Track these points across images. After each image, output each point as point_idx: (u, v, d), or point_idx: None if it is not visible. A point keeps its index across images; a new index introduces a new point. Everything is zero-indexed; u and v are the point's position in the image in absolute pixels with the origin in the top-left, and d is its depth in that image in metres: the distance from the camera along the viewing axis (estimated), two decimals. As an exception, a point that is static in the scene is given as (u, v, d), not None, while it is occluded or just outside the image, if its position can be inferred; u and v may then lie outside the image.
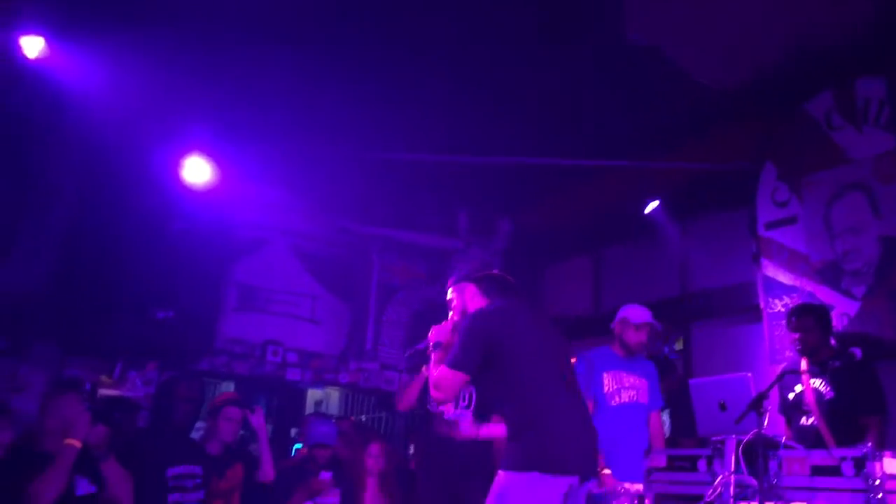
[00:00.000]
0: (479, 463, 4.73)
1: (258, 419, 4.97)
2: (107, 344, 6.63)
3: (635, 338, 4.86)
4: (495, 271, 3.80)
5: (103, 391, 5.84)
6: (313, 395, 8.77)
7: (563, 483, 3.07)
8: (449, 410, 4.61)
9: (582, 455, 3.18)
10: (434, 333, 3.56)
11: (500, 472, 3.13)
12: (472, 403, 4.69)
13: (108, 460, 3.88)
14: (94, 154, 6.23)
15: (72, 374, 6.39)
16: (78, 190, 6.48)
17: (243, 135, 6.37)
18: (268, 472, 4.88)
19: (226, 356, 7.57)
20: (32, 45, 5.09)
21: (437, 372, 3.32)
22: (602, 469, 4.38)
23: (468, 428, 4.78)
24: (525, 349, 3.26)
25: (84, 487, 3.80)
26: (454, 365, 3.25)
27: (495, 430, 4.79)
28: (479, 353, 3.25)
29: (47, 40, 5.13)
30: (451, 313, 3.67)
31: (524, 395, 3.23)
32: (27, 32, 5.10)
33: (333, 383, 8.24)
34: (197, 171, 6.28)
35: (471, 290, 3.63)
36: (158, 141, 6.06)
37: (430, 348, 3.53)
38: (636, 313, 4.93)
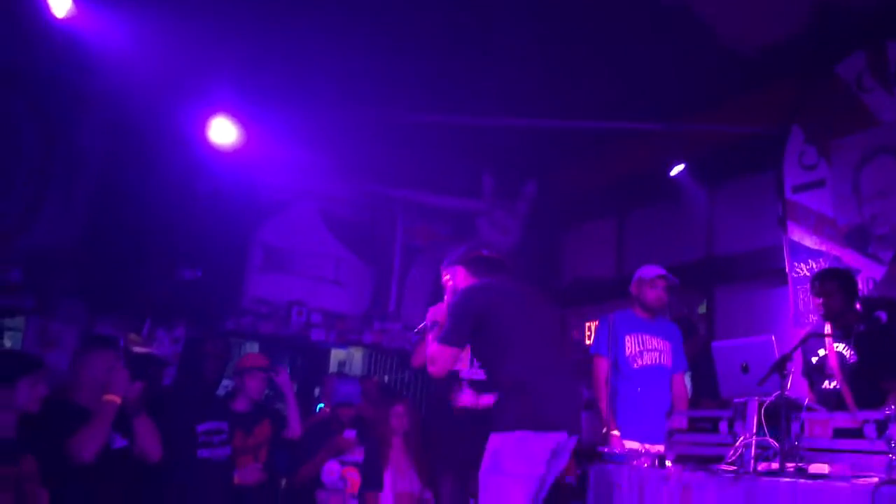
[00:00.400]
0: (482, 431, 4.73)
1: (283, 378, 5.05)
2: (135, 302, 6.74)
3: (652, 294, 4.84)
4: (484, 252, 3.94)
5: (133, 348, 5.94)
6: (337, 355, 8.85)
7: (551, 439, 3.33)
8: (464, 370, 4.64)
9: (567, 412, 3.45)
10: (431, 313, 3.79)
11: (492, 435, 3.37)
12: None
13: (140, 416, 3.97)
14: (122, 114, 6.28)
15: (102, 331, 6.51)
16: (106, 150, 6.54)
17: (270, 96, 6.37)
18: (295, 428, 4.97)
19: (251, 316, 7.66)
20: (61, 4, 5.10)
21: (430, 348, 3.59)
22: (611, 430, 4.43)
23: (468, 398, 4.80)
24: (509, 318, 3.54)
25: (118, 441, 3.90)
26: (444, 340, 3.51)
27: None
28: (467, 327, 3.51)
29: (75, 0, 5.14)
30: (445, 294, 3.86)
31: (511, 360, 3.49)
32: (55, -8, 5.11)
33: (357, 343, 8.32)
34: (223, 132, 6.31)
35: (461, 271, 3.84)
36: (185, 101, 6.09)
37: (428, 327, 3.76)
38: (648, 269, 4.94)
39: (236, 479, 4.72)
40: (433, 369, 3.57)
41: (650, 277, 4.88)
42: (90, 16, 5.18)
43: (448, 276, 3.90)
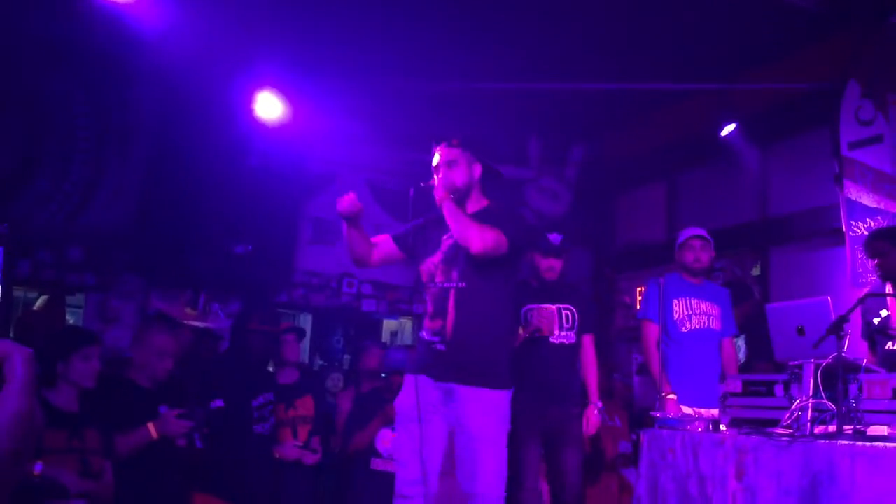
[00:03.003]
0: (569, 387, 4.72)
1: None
2: (189, 277, 6.88)
3: (690, 255, 4.81)
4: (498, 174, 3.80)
5: (189, 322, 6.05)
6: (388, 325, 8.94)
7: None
8: (555, 332, 4.55)
9: None
10: (440, 183, 3.57)
11: (494, 392, 3.38)
12: (576, 324, 4.64)
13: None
14: (171, 91, 6.36)
15: (158, 306, 6.65)
16: (156, 128, 6.65)
17: (315, 69, 6.38)
18: None
19: (303, 288, 7.77)
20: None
21: (488, 228, 3.37)
22: (667, 395, 4.39)
23: None
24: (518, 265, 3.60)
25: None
26: (506, 232, 3.38)
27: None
28: (521, 243, 3.50)
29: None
30: (443, 170, 3.62)
31: (512, 312, 3.60)
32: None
33: (408, 314, 8.39)
34: (270, 106, 6.35)
35: (478, 171, 3.65)
36: (233, 77, 6.13)
37: (440, 194, 3.52)
38: (684, 232, 4.91)
39: (276, 454, 4.79)
40: (480, 243, 3.34)
41: (683, 239, 4.86)
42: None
43: (462, 160, 3.61)
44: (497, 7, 5.83)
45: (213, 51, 5.76)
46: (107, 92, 6.53)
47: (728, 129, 6.69)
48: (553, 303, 4.64)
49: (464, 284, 3.42)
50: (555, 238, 4.65)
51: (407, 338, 8.80)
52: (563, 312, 4.62)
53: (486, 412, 3.34)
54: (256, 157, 6.72)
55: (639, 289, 7.77)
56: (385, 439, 5.08)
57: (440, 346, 3.41)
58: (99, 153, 6.59)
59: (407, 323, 8.84)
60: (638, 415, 6.07)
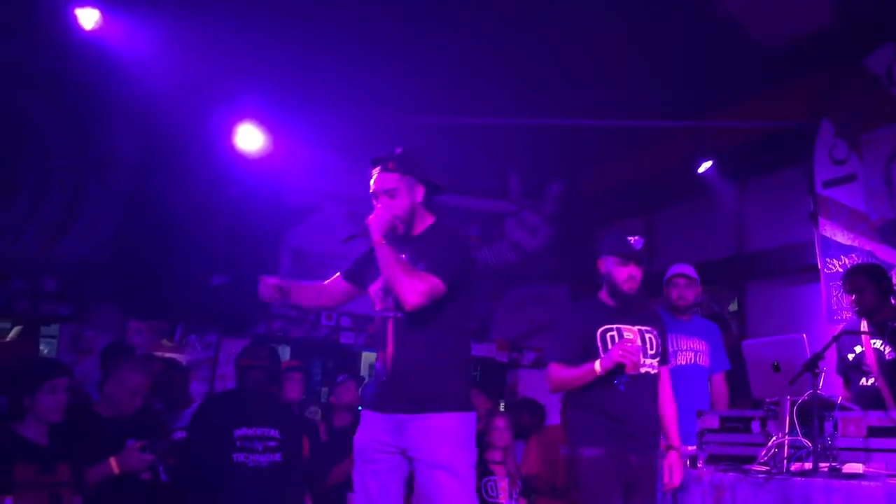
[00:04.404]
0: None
1: None
2: (167, 309, 6.81)
3: (674, 293, 4.82)
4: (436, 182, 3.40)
5: (157, 353, 5.99)
6: (367, 357, 8.89)
7: None
8: (638, 362, 3.63)
9: None
10: (375, 222, 3.20)
11: (449, 414, 3.03)
12: (658, 351, 3.83)
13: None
14: (152, 122, 6.35)
15: (134, 338, 6.59)
16: (136, 159, 6.62)
17: (295, 101, 6.41)
18: None
19: (281, 320, 7.72)
20: (88, 17, 5.18)
21: (419, 277, 3.03)
22: None
23: None
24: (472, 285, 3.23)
25: None
26: (442, 275, 3.04)
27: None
28: (461, 277, 3.12)
29: (102, 11, 5.21)
30: (383, 198, 3.31)
31: (467, 331, 3.25)
32: (83, 4, 5.19)
33: (387, 346, 8.33)
34: (250, 138, 6.36)
35: (421, 194, 3.31)
36: (213, 108, 6.14)
37: (375, 237, 3.16)
38: (670, 269, 4.93)
39: None
40: (414, 298, 3.01)
41: (668, 277, 4.89)
42: (117, 27, 5.24)
43: (402, 186, 3.29)
44: (478, 43, 5.90)
45: (193, 82, 5.78)
46: (86, 121, 6.51)
47: (705, 165, 6.77)
48: (634, 324, 3.80)
49: (401, 314, 3.13)
50: (637, 242, 3.87)
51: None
52: (647, 336, 3.78)
53: (442, 437, 3.02)
54: (237, 187, 6.71)
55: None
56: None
57: (383, 377, 3.16)
58: (77, 182, 6.54)
59: (386, 356, 8.79)
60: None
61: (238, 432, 4.56)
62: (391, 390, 3.10)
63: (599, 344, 3.70)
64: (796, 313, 6.30)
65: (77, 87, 6.18)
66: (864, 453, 3.16)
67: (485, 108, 6.64)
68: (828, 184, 5.93)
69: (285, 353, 8.11)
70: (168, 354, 6.10)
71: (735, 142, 6.70)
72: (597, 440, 3.51)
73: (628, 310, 3.82)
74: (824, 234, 5.88)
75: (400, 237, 3.26)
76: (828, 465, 3.12)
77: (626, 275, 3.78)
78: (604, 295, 3.91)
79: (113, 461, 3.69)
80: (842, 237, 5.77)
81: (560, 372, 3.76)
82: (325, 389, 8.21)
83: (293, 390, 5.13)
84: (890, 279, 4.61)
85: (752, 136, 6.56)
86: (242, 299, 6.99)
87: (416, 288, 3.00)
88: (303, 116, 6.47)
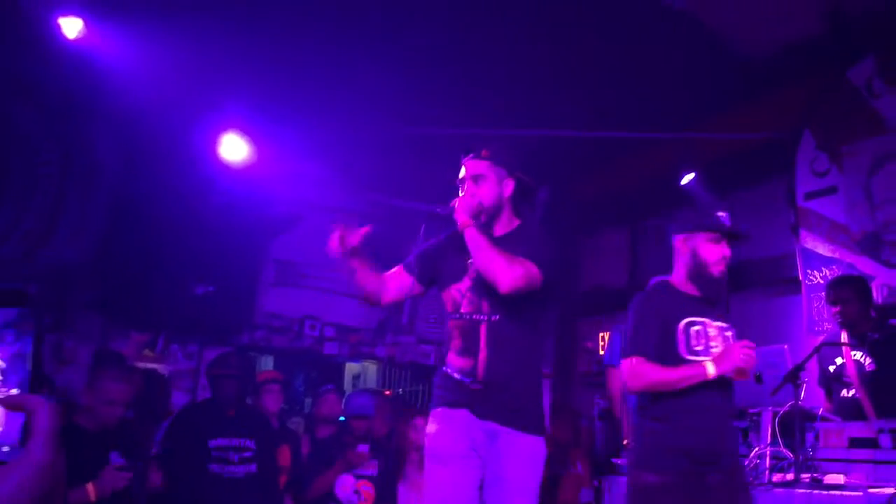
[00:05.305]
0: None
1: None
2: (149, 318, 6.77)
3: None
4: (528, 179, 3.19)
5: (138, 364, 5.95)
6: (351, 368, 8.87)
7: None
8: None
9: None
10: (461, 204, 3.02)
11: (536, 438, 2.92)
12: None
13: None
14: (136, 131, 6.32)
15: (116, 347, 6.54)
16: (120, 167, 6.59)
17: (279, 111, 6.40)
18: None
19: (265, 330, 7.70)
20: (71, 26, 5.17)
21: (518, 261, 2.85)
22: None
23: None
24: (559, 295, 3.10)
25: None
26: (539, 263, 2.87)
27: None
28: (555, 276, 2.94)
29: (86, 20, 5.20)
30: (469, 185, 3.14)
31: (543, 352, 3.08)
32: (66, 13, 5.17)
33: (370, 357, 8.33)
34: (234, 148, 6.34)
35: (510, 188, 3.12)
36: (198, 118, 6.13)
37: (461, 219, 2.99)
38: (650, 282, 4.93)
39: None
40: (512, 280, 2.85)
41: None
42: (101, 36, 5.24)
43: (492, 176, 3.11)
44: (464, 53, 5.92)
45: (178, 91, 5.77)
46: (71, 129, 6.48)
47: (688, 177, 6.80)
48: (716, 318, 3.32)
49: (497, 317, 2.93)
50: (726, 217, 3.41)
51: (370, 381, 8.74)
52: (726, 335, 3.33)
53: (527, 461, 2.90)
54: (221, 197, 6.69)
55: (601, 333, 7.81)
56: (345, 485, 5.02)
57: (475, 386, 2.93)
58: (60, 189, 6.51)
59: (370, 366, 8.78)
60: (600, 462, 6.07)
61: (213, 443, 4.56)
62: (483, 398, 2.92)
63: (682, 338, 3.18)
64: (777, 324, 6.33)
65: (61, 96, 6.15)
66: (845, 464, 3.18)
67: (471, 119, 6.66)
68: (809, 196, 5.98)
69: (268, 363, 8.08)
70: (149, 365, 6.06)
71: (718, 153, 6.73)
72: (667, 463, 3.04)
73: (711, 301, 3.32)
74: (805, 245, 5.93)
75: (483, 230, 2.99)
76: (809, 475, 3.14)
77: (718, 255, 3.31)
78: (678, 280, 3.37)
79: (90, 487, 3.64)
80: (823, 249, 5.81)
81: (651, 370, 3.14)
82: (308, 400, 8.18)
83: (272, 402, 5.14)
84: (871, 291, 4.65)
85: (735, 147, 6.60)
86: (226, 309, 6.97)
87: (514, 271, 2.81)
88: (287, 126, 6.47)
